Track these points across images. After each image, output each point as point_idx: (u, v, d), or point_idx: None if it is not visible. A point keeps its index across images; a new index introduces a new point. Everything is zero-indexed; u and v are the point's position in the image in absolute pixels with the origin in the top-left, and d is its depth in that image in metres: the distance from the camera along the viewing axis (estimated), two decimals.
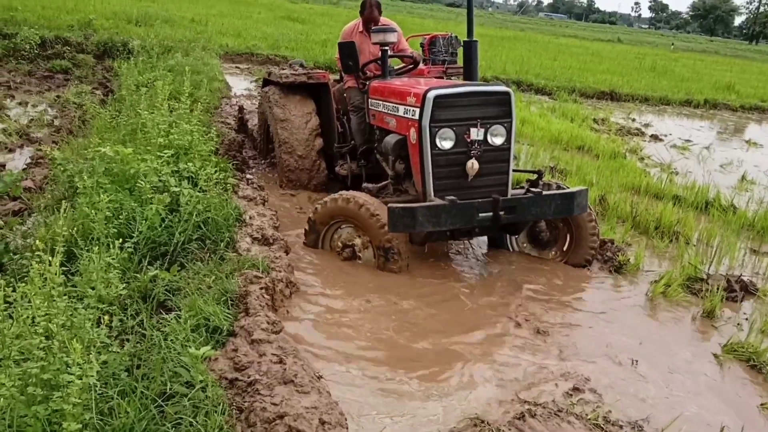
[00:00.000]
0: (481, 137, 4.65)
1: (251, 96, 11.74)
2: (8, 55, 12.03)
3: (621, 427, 3.25)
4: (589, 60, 25.77)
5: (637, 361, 3.94)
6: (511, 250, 5.54)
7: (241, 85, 13.02)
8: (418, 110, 4.67)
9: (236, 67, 15.48)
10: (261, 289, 3.88)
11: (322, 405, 2.80)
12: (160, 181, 4.78)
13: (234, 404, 2.85)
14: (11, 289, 2.72)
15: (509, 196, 4.75)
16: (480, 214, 4.50)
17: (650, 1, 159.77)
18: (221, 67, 13.05)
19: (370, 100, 5.79)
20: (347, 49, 5.87)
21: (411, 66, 6.27)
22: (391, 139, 5.15)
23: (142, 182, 4.52)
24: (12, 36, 12.50)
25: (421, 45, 6.68)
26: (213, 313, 3.49)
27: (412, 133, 4.80)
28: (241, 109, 9.23)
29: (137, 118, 6.21)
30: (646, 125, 13.83)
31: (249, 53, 16.55)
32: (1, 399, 2.29)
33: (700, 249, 6.08)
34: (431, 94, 4.58)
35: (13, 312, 2.66)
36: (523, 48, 28.06)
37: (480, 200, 4.54)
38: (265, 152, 7.73)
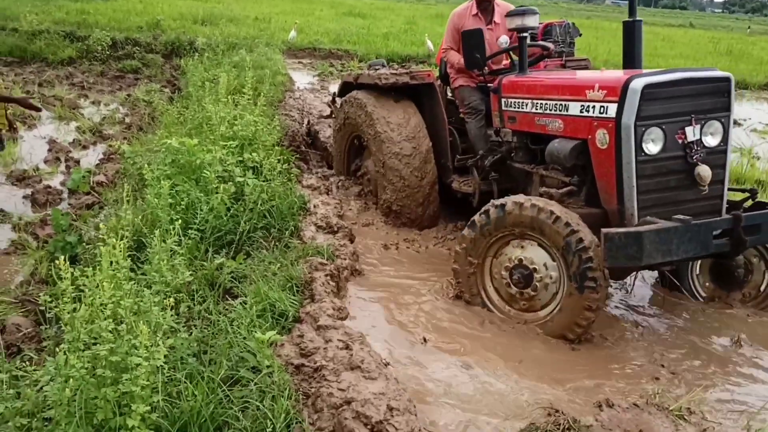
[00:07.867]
0: (697, 136, 3.72)
1: (314, 90, 11.79)
2: (82, 56, 12.46)
3: (704, 418, 3.07)
4: (660, 45, 24.81)
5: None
6: (687, 292, 4.42)
7: (303, 79, 13.09)
8: (612, 105, 3.69)
9: (299, 62, 15.60)
10: (326, 276, 3.85)
11: (390, 391, 2.72)
12: (225, 170, 4.81)
13: (300, 389, 2.81)
14: (85, 277, 2.76)
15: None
16: (716, 238, 3.59)
17: None
18: (284, 62, 13.15)
19: (504, 99, 4.63)
20: (474, 39, 4.73)
21: (537, 57, 5.05)
22: (563, 145, 4.03)
23: (208, 172, 4.55)
24: (85, 38, 12.93)
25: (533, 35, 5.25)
26: (278, 299, 3.46)
27: (601, 136, 3.77)
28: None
29: (203, 111, 6.30)
30: None
31: (311, 48, 16.65)
32: (72, 380, 2.31)
33: None
34: (638, 84, 3.57)
35: (83, 297, 2.69)
36: (590, 36, 27.11)
37: (717, 219, 3.68)
38: (347, 171, 6.30)
